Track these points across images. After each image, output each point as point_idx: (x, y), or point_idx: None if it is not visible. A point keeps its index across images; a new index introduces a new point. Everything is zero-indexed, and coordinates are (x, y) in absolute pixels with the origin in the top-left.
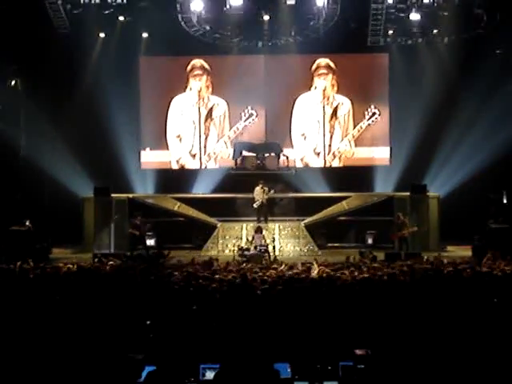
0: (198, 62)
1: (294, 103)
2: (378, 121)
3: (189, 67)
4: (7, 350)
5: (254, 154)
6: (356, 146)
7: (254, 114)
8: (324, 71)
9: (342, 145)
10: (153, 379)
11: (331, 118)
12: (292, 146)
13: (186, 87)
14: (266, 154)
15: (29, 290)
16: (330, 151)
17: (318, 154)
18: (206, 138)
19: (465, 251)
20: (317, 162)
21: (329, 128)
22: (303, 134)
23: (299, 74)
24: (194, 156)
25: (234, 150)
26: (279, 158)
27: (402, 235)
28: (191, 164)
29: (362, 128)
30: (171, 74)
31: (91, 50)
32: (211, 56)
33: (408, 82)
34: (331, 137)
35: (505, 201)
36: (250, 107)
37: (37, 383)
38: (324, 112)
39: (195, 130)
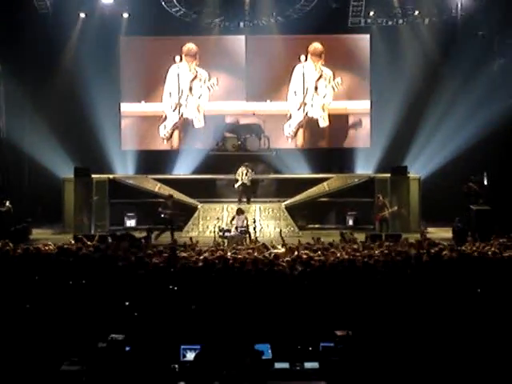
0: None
1: (291, 72)
2: (359, 102)
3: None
4: None
5: (235, 135)
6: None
7: (216, 79)
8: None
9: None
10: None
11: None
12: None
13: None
14: (247, 135)
15: (8, 270)
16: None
17: (304, 105)
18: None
19: (445, 233)
20: (299, 114)
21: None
22: (295, 92)
23: (281, 54)
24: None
25: (215, 131)
26: (260, 139)
27: (382, 216)
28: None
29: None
30: (151, 54)
31: (71, 31)
32: (192, 36)
33: (389, 63)
34: (313, 95)
35: (486, 182)
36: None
37: (15, 362)
38: (312, 77)
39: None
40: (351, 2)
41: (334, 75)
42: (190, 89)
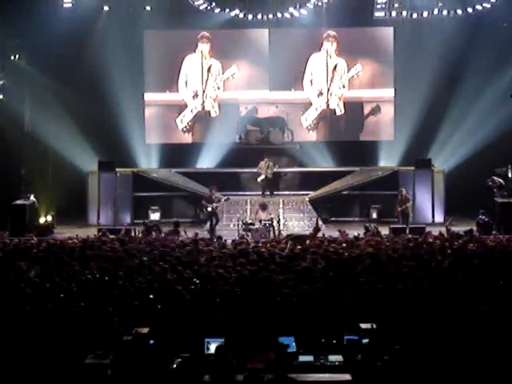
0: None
1: (306, 61)
2: (383, 95)
3: (198, 36)
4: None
5: (259, 128)
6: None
7: (236, 69)
8: (331, 39)
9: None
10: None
11: (333, 71)
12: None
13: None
14: (271, 129)
15: (34, 264)
16: (329, 93)
17: (321, 94)
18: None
19: (469, 225)
20: (319, 102)
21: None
22: (311, 81)
23: (305, 46)
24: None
25: (238, 124)
26: (284, 132)
27: (402, 210)
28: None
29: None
30: (174, 48)
31: (95, 24)
32: (214, 30)
33: (413, 55)
34: (331, 84)
35: (510, 175)
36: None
37: (41, 355)
38: (327, 66)
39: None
40: None
41: (352, 65)
42: (207, 79)
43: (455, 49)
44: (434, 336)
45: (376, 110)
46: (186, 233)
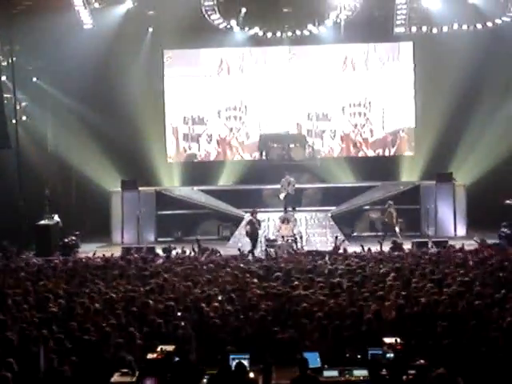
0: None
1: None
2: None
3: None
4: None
5: (280, 145)
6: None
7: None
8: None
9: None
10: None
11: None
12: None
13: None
14: (292, 145)
15: (59, 282)
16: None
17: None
18: None
19: (491, 239)
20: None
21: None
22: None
23: (324, 63)
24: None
25: (260, 141)
26: (305, 148)
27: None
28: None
29: None
30: (194, 66)
31: (115, 44)
32: (234, 48)
33: (433, 69)
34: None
35: None
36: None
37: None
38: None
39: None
40: (395, 10)
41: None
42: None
43: (476, 63)
44: (459, 350)
45: (401, 131)
46: (198, 248)
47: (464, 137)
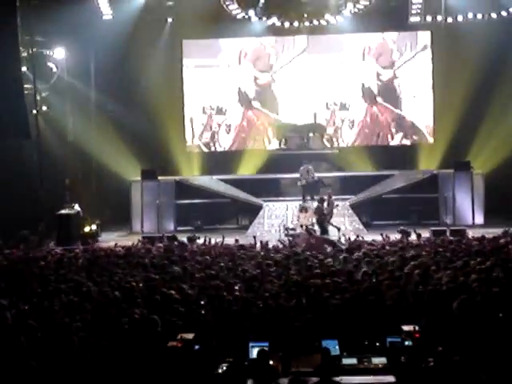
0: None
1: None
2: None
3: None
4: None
5: (298, 134)
6: None
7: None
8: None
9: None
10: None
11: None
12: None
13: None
14: (310, 134)
15: (80, 272)
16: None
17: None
18: None
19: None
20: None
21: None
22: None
23: (341, 53)
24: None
25: (278, 130)
26: (323, 137)
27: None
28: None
29: None
30: (212, 56)
31: (134, 35)
32: (253, 37)
33: (450, 59)
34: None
35: None
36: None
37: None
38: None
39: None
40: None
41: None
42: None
43: (494, 51)
44: (478, 337)
45: (419, 120)
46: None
47: (482, 125)
